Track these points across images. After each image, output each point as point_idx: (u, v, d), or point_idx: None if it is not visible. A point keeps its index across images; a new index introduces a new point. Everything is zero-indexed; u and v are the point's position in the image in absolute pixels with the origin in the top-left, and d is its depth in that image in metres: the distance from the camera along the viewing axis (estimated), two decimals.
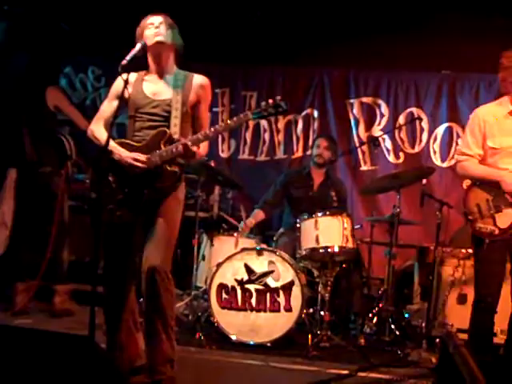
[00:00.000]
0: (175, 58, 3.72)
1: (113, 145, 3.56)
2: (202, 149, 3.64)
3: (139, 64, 3.61)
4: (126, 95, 3.58)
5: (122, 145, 3.61)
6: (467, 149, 4.13)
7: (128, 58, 3.39)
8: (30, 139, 5.26)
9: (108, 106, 3.73)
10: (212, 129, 3.53)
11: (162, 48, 3.62)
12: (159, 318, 3.55)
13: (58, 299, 5.27)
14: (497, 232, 3.98)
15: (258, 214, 5.90)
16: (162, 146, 3.54)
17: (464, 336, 4.45)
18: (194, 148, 3.50)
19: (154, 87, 3.68)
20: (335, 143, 6.15)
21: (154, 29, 3.57)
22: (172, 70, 3.71)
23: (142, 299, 3.74)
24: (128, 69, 3.39)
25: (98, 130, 3.69)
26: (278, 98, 3.47)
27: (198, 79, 3.71)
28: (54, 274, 5.28)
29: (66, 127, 5.52)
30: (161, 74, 3.68)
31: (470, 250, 5.05)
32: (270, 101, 3.45)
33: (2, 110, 5.47)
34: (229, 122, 3.54)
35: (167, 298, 3.57)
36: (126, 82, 3.44)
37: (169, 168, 3.56)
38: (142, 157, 3.53)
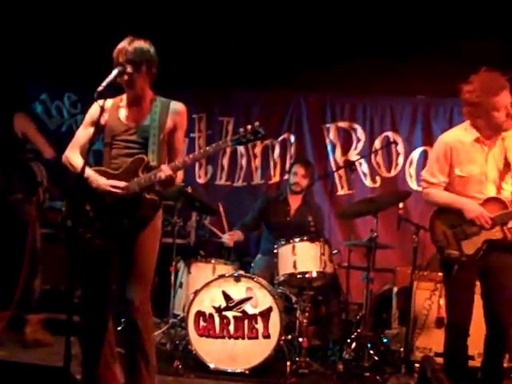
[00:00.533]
0: (150, 83, 3.66)
1: (90, 173, 3.51)
2: (178, 175, 3.62)
3: (117, 88, 3.58)
4: (103, 122, 3.55)
5: (98, 172, 3.56)
6: (431, 177, 4.10)
7: (104, 84, 3.33)
8: None
9: (83, 133, 3.67)
10: (191, 156, 3.52)
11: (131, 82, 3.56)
12: (140, 355, 3.52)
13: (29, 329, 5.12)
14: (464, 258, 3.96)
15: (236, 233, 5.88)
16: (140, 174, 3.51)
17: (442, 360, 4.45)
18: (173, 175, 3.47)
19: (131, 114, 3.63)
20: (312, 167, 6.19)
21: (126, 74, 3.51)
22: (148, 96, 3.66)
23: (119, 328, 3.70)
24: (104, 95, 3.37)
25: (73, 156, 3.62)
26: (257, 123, 3.44)
27: (175, 106, 3.67)
28: (26, 304, 5.16)
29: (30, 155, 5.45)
30: (137, 101, 3.63)
31: None
32: (249, 127, 3.42)
33: None
34: (207, 148, 3.56)
35: (147, 334, 3.56)
36: (102, 109, 3.40)
37: (148, 196, 3.52)
38: (121, 184, 3.49)
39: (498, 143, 4.01)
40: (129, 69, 3.48)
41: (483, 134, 4.00)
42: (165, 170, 3.42)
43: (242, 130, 3.43)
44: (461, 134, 4.07)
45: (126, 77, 3.49)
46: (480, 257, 3.94)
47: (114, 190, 3.47)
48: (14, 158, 5.27)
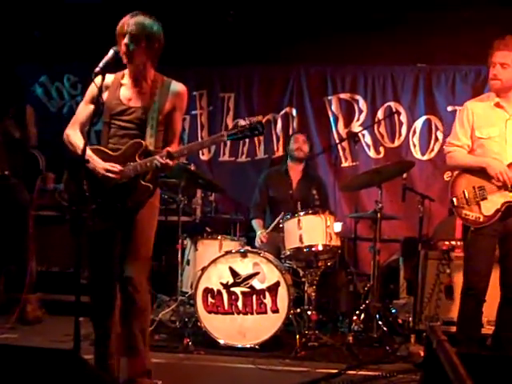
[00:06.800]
0: (153, 61, 3.60)
1: (89, 153, 3.46)
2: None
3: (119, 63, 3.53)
4: (102, 100, 3.51)
5: (97, 152, 3.54)
6: (456, 140, 4.24)
7: (101, 65, 3.31)
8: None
9: (84, 109, 3.64)
10: (187, 146, 3.61)
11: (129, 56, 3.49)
12: (138, 330, 3.55)
13: (30, 308, 5.36)
14: (482, 219, 4.05)
15: (260, 224, 5.88)
16: (137, 159, 3.48)
17: (451, 328, 4.47)
18: (169, 162, 3.46)
19: (131, 93, 3.58)
20: (310, 139, 6.16)
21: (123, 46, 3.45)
22: (149, 74, 3.60)
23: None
24: (103, 74, 3.34)
25: (73, 135, 3.59)
26: (257, 118, 3.44)
27: (175, 87, 3.63)
28: (29, 285, 5.34)
29: None
30: (138, 79, 3.58)
31: (454, 242, 5.08)
32: (248, 122, 3.43)
33: None
34: (204, 140, 3.59)
35: (146, 310, 3.59)
36: (101, 89, 3.39)
37: (143, 182, 3.50)
38: (116, 168, 3.48)
39: None
40: (126, 39, 3.42)
41: (501, 97, 4.13)
42: (160, 159, 3.42)
43: (241, 124, 3.42)
44: (483, 100, 4.24)
45: (124, 48, 3.43)
46: (498, 220, 4.02)
47: (108, 174, 3.47)
48: (22, 146, 5.37)
